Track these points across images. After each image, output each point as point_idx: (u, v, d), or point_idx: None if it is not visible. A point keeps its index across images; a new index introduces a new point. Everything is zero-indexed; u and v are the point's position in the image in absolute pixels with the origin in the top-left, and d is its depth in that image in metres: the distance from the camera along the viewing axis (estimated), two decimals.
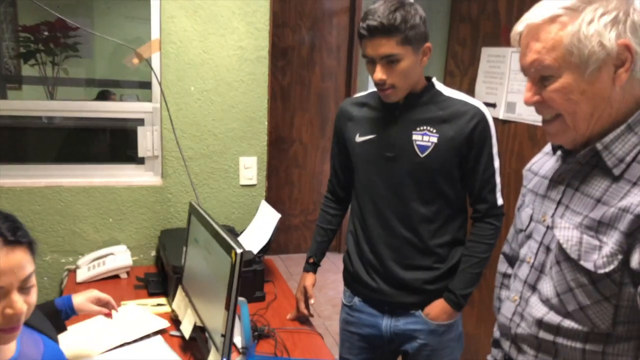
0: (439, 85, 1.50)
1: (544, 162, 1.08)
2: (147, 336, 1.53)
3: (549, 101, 0.91)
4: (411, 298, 1.53)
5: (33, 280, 0.96)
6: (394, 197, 1.50)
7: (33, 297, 0.97)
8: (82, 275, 1.94)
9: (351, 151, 1.58)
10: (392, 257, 1.52)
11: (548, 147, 1.10)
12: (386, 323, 1.57)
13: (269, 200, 2.20)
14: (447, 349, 1.56)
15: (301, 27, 4.17)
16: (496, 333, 1.14)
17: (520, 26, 0.91)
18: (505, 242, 1.25)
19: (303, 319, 1.72)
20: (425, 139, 1.44)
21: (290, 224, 4.48)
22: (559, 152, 1.03)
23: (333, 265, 4.03)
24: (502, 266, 1.23)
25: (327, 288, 3.81)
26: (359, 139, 1.54)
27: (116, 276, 1.97)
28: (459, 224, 1.52)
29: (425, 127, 1.44)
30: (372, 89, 1.56)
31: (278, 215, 1.97)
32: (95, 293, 1.40)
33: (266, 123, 2.19)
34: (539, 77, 0.91)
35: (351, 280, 1.65)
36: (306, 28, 4.18)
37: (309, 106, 4.31)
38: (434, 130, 1.44)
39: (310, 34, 4.19)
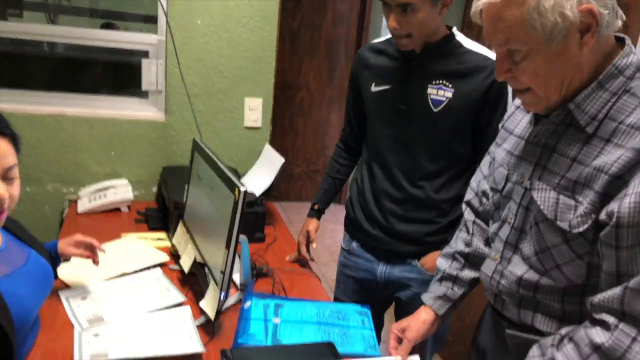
0: (460, 36, 1.43)
1: (518, 119, 1.08)
2: (147, 268, 1.54)
3: (519, 77, 0.91)
4: (409, 247, 1.53)
5: (15, 173, 1.00)
6: (403, 151, 1.47)
7: (16, 189, 1.00)
8: (83, 206, 1.93)
9: (365, 100, 1.54)
10: (394, 211, 1.51)
11: (519, 100, 1.09)
12: (381, 269, 1.57)
13: (271, 147, 2.17)
14: None
15: None
16: None
17: (480, 5, 0.89)
18: (470, 192, 1.24)
19: (302, 262, 1.73)
20: (440, 93, 1.40)
21: (292, 172, 4.47)
22: (531, 112, 1.03)
23: (332, 216, 4.04)
24: (470, 215, 1.23)
25: (325, 237, 3.85)
26: (374, 88, 1.50)
27: (117, 209, 1.97)
28: (465, 180, 1.50)
29: (441, 81, 1.40)
30: (388, 35, 1.50)
31: (282, 160, 1.95)
32: (77, 237, 1.34)
33: (274, 64, 2.12)
34: (506, 51, 0.90)
35: (351, 226, 1.65)
36: None
37: (318, 52, 4.21)
38: (450, 85, 1.39)
39: None
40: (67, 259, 1.36)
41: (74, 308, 1.31)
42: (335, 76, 4.30)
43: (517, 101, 1.10)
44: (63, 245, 1.33)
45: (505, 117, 1.14)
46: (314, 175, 4.56)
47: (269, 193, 1.94)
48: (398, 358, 1.14)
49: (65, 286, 1.41)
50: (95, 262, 1.35)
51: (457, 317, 2.32)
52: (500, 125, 1.15)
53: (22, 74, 2.11)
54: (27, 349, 1.12)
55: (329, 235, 3.89)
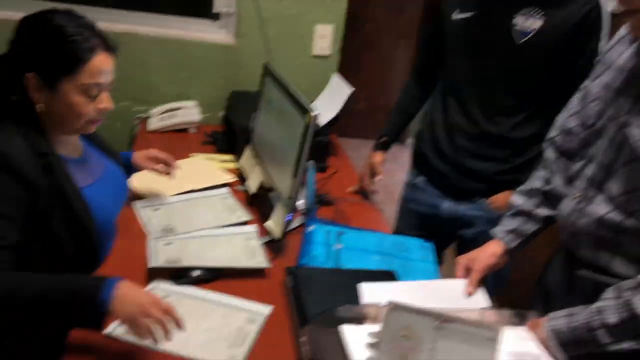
0: None
1: (620, 52, 0.99)
2: (215, 187, 1.58)
3: None
4: (477, 185, 1.48)
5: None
6: (480, 84, 1.40)
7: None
8: (153, 124, 1.99)
9: (446, 29, 1.45)
10: (466, 146, 1.45)
11: (623, 31, 0.99)
12: (447, 206, 1.54)
13: None
14: None
15: None
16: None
17: None
18: (554, 129, 1.17)
19: (364, 194, 1.72)
20: (528, 23, 1.29)
21: (353, 108, 4.38)
22: (638, 42, 0.93)
23: (391, 155, 3.98)
24: (552, 154, 1.16)
25: (383, 175, 3.81)
26: (456, 15, 1.41)
27: (184, 130, 2.02)
28: (544, 119, 1.41)
29: (531, 8, 1.29)
30: None
31: (350, 89, 1.90)
32: (153, 152, 1.40)
33: None
34: None
35: (418, 160, 1.61)
36: None
37: None
38: (542, 13, 1.28)
39: None
40: (138, 170, 1.42)
41: (148, 218, 1.37)
42: (406, 9, 4.08)
43: (622, 31, 1.00)
44: (139, 157, 1.38)
45: (605, 49, 1.05)
46: (376, 112, 4.45)
47: (334, 123, 1.92)
48: (466, 283, 1.14)
49: (138, 197, 1.47)
50: (171, 177, 1.40)
51: (518, 261, 2.27)
52: (598, 59, 1.06)
53: None
54: (106, 253, 1.20)
55: (387, 173, 3.80)
